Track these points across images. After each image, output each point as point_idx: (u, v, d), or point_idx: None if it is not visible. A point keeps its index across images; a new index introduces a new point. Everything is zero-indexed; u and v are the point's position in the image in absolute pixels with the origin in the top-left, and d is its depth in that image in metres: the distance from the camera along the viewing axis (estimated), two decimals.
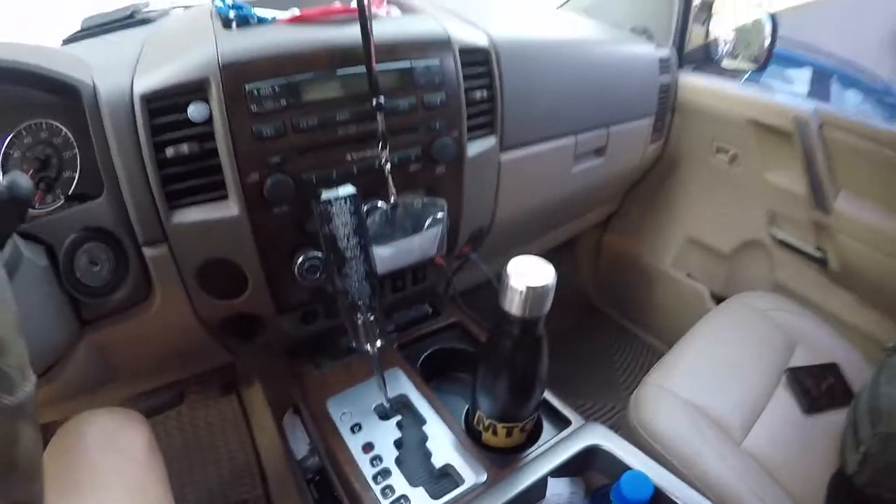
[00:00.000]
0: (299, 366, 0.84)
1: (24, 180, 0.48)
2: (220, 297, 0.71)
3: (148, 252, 0.64)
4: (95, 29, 0.84)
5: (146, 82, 0.60)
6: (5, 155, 0.60)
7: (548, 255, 1.32)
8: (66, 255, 0.59)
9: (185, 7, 1.02)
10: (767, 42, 1.32)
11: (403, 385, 0.77)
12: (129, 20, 0.86)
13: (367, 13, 0.59)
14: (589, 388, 1.52)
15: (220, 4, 0.70)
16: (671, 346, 1.09)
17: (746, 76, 1.48)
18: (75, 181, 0.62)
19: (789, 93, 2.90)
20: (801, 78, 3.00)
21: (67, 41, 0.83)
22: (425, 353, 0.86)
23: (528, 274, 0.54)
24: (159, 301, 0.68)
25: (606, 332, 1.72)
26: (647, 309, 1.66)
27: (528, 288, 0.53)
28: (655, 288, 1.61)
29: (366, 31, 0.60)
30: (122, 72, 0.63)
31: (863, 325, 1.21)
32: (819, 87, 2.95)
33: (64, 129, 0.62)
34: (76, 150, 0.62)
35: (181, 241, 0.64)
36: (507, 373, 0.61)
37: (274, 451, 1.17)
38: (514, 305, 0.55)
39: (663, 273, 1.57)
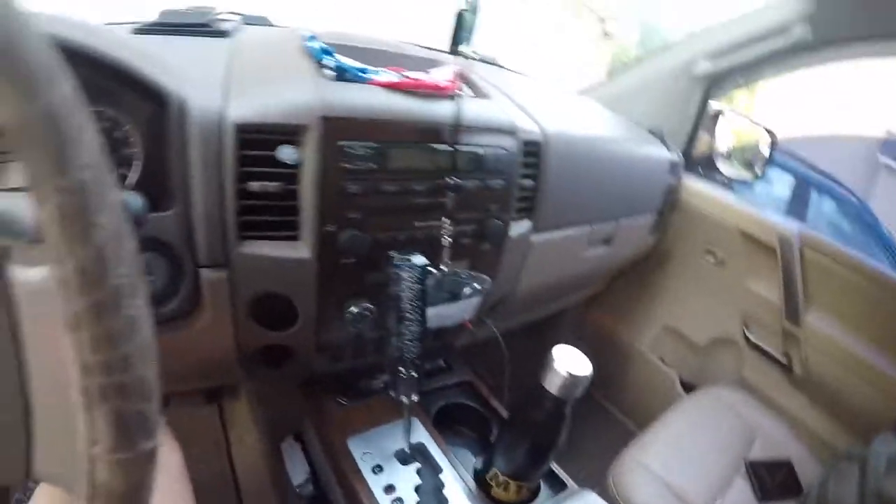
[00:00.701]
0: (317, 398, 0.87)
1: (136, 200, 0.52)
2: (266, 326, 0.73)
3: (206, 274, 0.65)
4: (169, 27, 0.82)
5: (241, 111, 0.62)
6: None
7: (535, 324, 1.41)
8: None
9: (247, 18, 1.05)
10: (765, 156, 1.48)
11: (420, 434, 0.82)
12: (206, 28, 0.85)
13: (458, 111, 0.66)
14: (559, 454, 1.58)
15: (314, 46, 0.75)
16: (637, 424, 1.18)
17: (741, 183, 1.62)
18: (129, 180, 0.61)
19: (769, 195, 3.12)
20: (783, 180, 3.21)
21: (139, 31, 0.79)
22: (438, 406, 0.91)
23: (570, 362, 0.62)
24: (205, 321, 0.69)
25: (580, 402, 1.77)
26: (619, 385, 1.75)
27: (570, 374, 0.61)
28: (630, 367, 1.70)
29: (456, 120, 0.67)
30: (212, 89, 0.64)
31: (817, 428, 1.32)
32: (799, 191, 3.16)
33: (127, 124, 0.60)
34: (137, 149, 0.61)
35: (243, 270, 0.66)
36: (533, 441, 0.69)
37: (252, 468, 1.18)
38: (553, 385, 0.62)
39: (639, 354, 1.67)
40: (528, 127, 0.87)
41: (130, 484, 0.28)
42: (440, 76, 0.79)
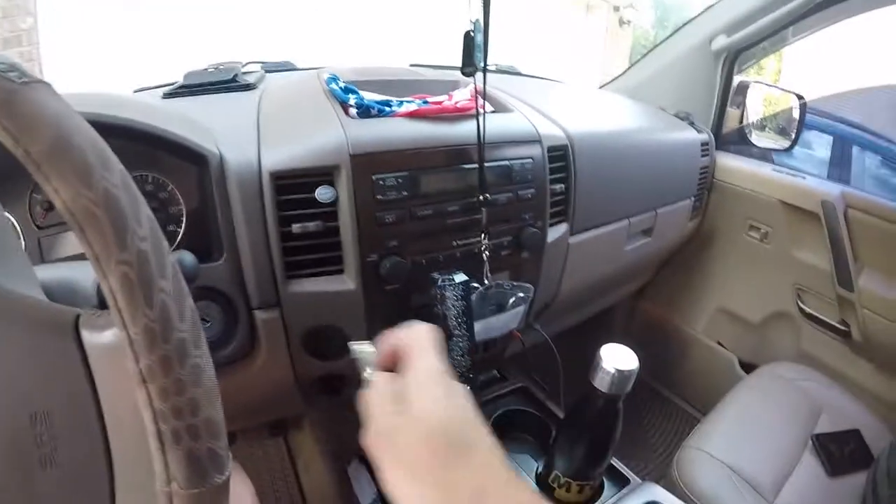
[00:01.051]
0: None
1: (188, 258, 0.56)
2: (321, 358, 0.76)
3: (260, 315, 0.69)
4: (196, 87, 0.87)
5: (275, 160, 0.66)
6: None
7: (585, 321, 1.40)
8: None
9: (269, 66, 1.11)
10: (796, 124, 1.44)
11: None
12: (232, 83, 0.89)
13: (481, 129, 0.68)
14: (623, 448, 1.57)
15: (335, 87, 0.79)
16: (701, 409, 1.16)
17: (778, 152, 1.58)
18: (179, 236, 0.66)
19: (811, 159, 3.02)
20: (821, 142, 3.10)
21: (169, 95, 0.85)
22: (495, 415, 0.92)
23: (617, 358, 0.63)
24: (263, 359, 0.73)
25: (638, 394, 1.77)
26: (678, 374, 1.72)
27: (617, 370, 0.62)
28: (687, 354, 1.68)
29: (481, 140, 0.69)
30: (246, 144, 0.68)
31: (883, 393, 1.28)
32: (839, 150, 3.05)
33: (171, 184, 0.65)
34: (182, 206, 0.65)
35: (294, 308, 0.70)
36: (589, 439, 0.70)
37: (321, 494, 1.21)
38: (603, 384, 0.63)
39: (695, 340, 1.64)
40: (553, 132, 0.88)
41: None
42: (460, 96, 0.81)
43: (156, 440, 0.29)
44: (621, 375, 0.62)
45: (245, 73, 0.98)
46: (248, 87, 0.90)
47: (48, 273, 0.46)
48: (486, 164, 0.74)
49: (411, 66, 1.29)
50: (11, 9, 3.07)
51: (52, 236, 0.62)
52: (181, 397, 0.28)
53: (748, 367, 1.48)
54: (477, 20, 0.65)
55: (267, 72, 1.08)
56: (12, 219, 0.60)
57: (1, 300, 0.33)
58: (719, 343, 1.59)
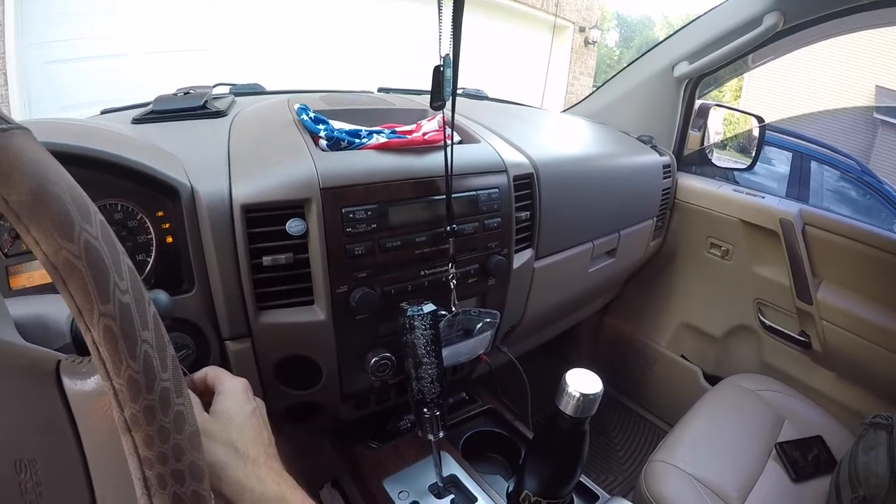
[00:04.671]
0: (348, 445, 0.91)
1: (163, 297, 0.56)
2: (292, 387, 0.77)
3: (231, 346, 0.69)
4: (167, 114, 0.86)
5: (246, 192, 0.66)
6: None
7: (552, 339, 1.43)
8: None
9: (238, 89, 1.10)
10: (755, 144, 1.51)
11: (451, 466, 0.85)
12: (202, 110, 0.88)
13: (449, 162, 0.70)
14: (592, 462, 1.60)
15: (306, 118, 0.80)
16: (666, 421, 1.19)
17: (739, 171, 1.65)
18: (149, 266, 0.65)
19: (773, 175, 3.13)
20: (781, 158, 3.22)
21: (138, 121, 0.84)
22: (465, 437, 0.94)
23: (582, 383, 0.65)
24: None
25: (605, 409, 1.80)
26: (643, 387, 1.77)
27: (582, 394, 0.64)
28: (652, 368, 1.72)
29: (448, 173, 0.71)
30: (217, 175, 0.68)
31: (844, 399, 1.34)
32: (798, 165, 3.17)
33: (140, 213, 0.64)
34: (152, 235, 0.64)
35: (265, 339, 0.71)
36: (556, 460, 0.73)
37: None
38: (569, 407, 0.66)
39: (660, 354, 1.69)
40: (518, 160, 0.91)
41: None
42: (429, 127, 0.83)
43: (141, 485, 0.29)
44: (586, 399, 0.65)
45: (215, 97, 0.97)
46: (217, 113, 0.89)
47: (21, 309, 0.45)
48: (453, 195, 0.75)
49: (379, 89, 1.31)
50: None
51: (18, 264, 0.61)
52: (166, 444, 0.29)
53: (712, 380, 1.53)
54: (447, 55, 0.67)
55: (236, 95, 1.07)
56: None
57: None
58: (683, 357, 1.64)
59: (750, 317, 1.49)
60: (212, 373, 0.51)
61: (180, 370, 0.32)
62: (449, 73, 0.68)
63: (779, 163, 3.18)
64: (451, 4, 0.61)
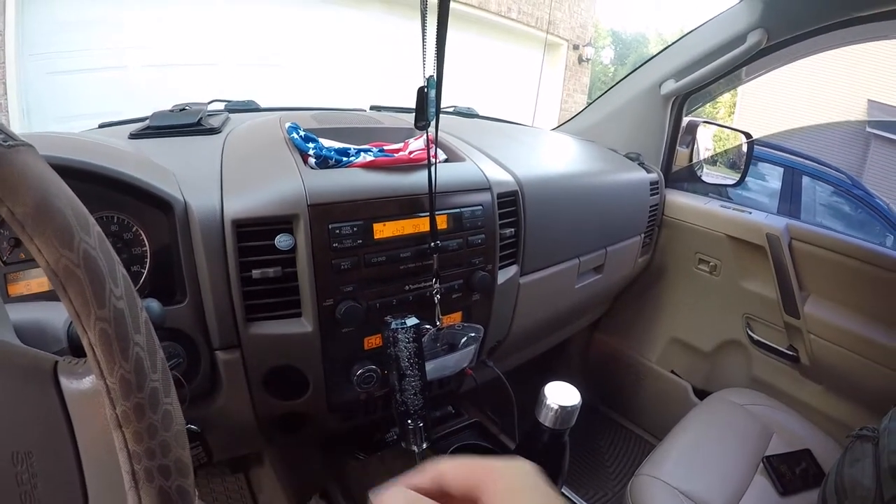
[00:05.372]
0: (336, 456, 0.92)
1: (156, 306, 0.58)
2: (280, 397, 0.79)
3: (221, 356, 0.72)
4: (164, 129, 0.89)
5: (237, 208, 0.68)
6: None
7: (542, 354, 1.45)
8: None
9: (233, 105, 1.13)
10: (746, 156, 1.53)
11: None
12: (197, 127, 0.91)
13: (433, 180, 0.72)
14: (582, 477, 1.61)
15: (296, 136, 0.82)
16: (657, 436, 1.20)
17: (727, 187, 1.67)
18: (143, 277, 0.68)
19: (765, 190, 3.16)
20: (773, 174, 3.25)
21: (135, 136, 0.86)
22: (450, 450, 0.95)
23: (560, 395, 0.67)
24: (224, 397, 0.75)
25: (596, 424, 1.82)
26: (633, 402, 1.78)
27: (560, 406, 0.66)
28: (642, 383, 1.74)
29: (432, 191, 0.73)
30: (209, 190, 0.71)
31: (833, 412, 1.35)
32: (790, 180, 3.20)
33: (136, 225, 0.67)
34: (146, 247, 0.67)
35: (254, 349, 0.73)
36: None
37: None
38: (547, 419, 0.67)
39: (649, 370, 1.71)
40: (503, 178, 0.93)
41: None
42: (415, 146, 0.86)
43: (130, 478, 0.32)
44: (564, 411, 0.67)
45: (210, 114, 1.00)
46: (211, 130, 0.92)
47: (20, 314, 0.48)
48: (437, 212, 0.78)
49: (371, 107, 1.34)
50: None
51: (17, 272, 0.64)
52: (153, 440, 0.32)
53: (702, 395, 1.54)
54: (431, 76, 0.69)
55: (231, 111, 1.11)
56: None
57: None
58: (673, 372, 1.66)
59: (739, 331, 1.50)
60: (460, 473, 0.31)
61: (170, 373, 0.34)
62: (433, 93, 0.71)
63: (771, 178, 3.22)
64: (435, 25, 0.64)
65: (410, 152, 0.84)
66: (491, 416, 1.05)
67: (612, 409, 1.84)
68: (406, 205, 0.78)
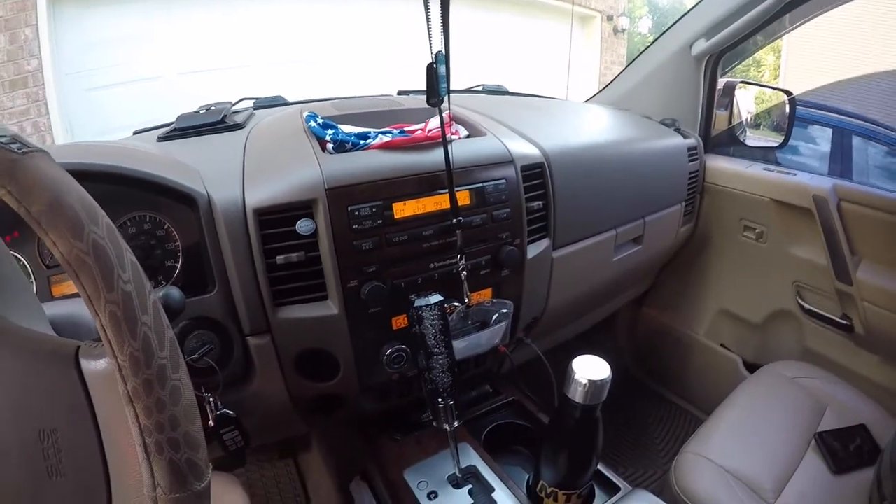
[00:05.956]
0: (373, 437, 0.93)
1: (175, 293, 0.60)
2: (312, 380, 0.80)
3: (252, 341, 0.74)
4: (189, 130, 0.93)
5: (257, 197, 0.70)
6: None
7: (588, 330, 1.42)
8: (178, 339, 0.68)
9: (260, 102, 1.16)
10: (789, 116, 1.44)
11: (471, 457, 0.86)
12: (221, 125, 0.94)
13: (448, 155, 0.71)
14: (629, 455, 1.58)
15: (314, 124, 0.83)
16: (707, 412, 1.15)
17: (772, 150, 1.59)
18: (177, 271, 0.72)
19: (815, 153, 3.00)
20: (823, 136, 3.09)
21: (163, 139, 0.91)
22: (488, 429, 0.95)
23: (589, 369, 0.65)
24: (258, 381, 0.77)
25: (644, 401, 1.78)
26: (683, 378, 1.72)
27: (590, 381, 0.65)
28: (691, 357, 1.68)
29: (448, 166, 0.72)
30: (231, 183, 0.73)
31: (890, 385, 1.26)
32: (839, 142, 3.03)
33: (167, 223, 0.71)
34: (178, 243, 0.71)
35: (283, 333, 0.74)
36: (570, 449, 0.73)
37: None
38: (577, 395, 0.66)
39: (698, 343, 1.65)
40: (527, 152, 0.91)
41: None
42: (435, 124, 0.85)
43: (142, 451, 0.34)
44: (594, 386, 0.65)
45: (235, 111, 1.03)
46: (235, 126, 0.95)
47: (55, 310, 0.53)
48: (459, 188, 0.77)
49: (399, 92, 1.33)
50: (16, 51, 3.24)
51: (59, 274, 0.69)
52: (162, 414, 0.34)
53: (753, 368, 1.47)
54: (439, 52, 0.68)
55: (258, 108, 1.13)
56: (24, 260, 0.67)
57: (12, 334, 0.38)
58: (723, 345, 1.60)
59: (789, 301, 1.43)
60: None
61: (179, 351, 0.36)
62: (443, 69, 0.69)
63: (820, 141, 3.05)
64: (438, 1, 0.62)
65: (429, 131, 0.83)
66: (529, 395, 1.04)
67: (661, 385, 1.80)
68: (425, 182, 0.77)
